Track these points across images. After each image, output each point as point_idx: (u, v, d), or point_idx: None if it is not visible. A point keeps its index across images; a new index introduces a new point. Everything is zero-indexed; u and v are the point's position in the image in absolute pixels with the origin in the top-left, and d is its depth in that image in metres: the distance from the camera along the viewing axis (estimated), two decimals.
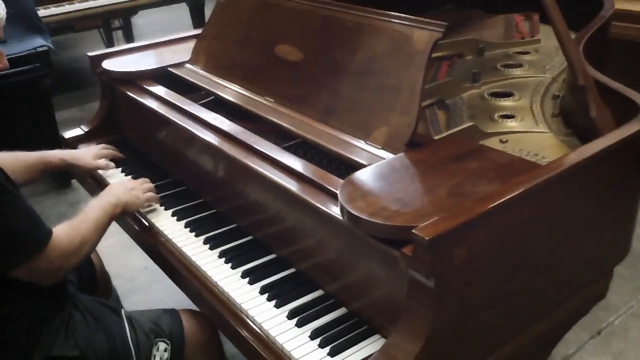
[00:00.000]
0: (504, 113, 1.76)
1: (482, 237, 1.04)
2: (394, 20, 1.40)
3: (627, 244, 1.46)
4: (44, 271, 1.32)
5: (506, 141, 1.61)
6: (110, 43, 4.99)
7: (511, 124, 1.71)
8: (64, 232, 1.36)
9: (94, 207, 1.50)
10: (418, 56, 1.32)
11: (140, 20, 6.70)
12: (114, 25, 5.09)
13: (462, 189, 1.13)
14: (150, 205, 1.69)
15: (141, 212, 1.68)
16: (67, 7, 4.33)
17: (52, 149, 1.81)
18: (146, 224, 1.66)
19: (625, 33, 3.10)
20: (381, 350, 1.06)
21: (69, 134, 2.11)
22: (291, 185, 1.32)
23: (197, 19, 4.90)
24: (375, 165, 1.25)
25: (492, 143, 1.60)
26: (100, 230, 1.47)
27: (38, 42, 3.19)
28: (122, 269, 2.83)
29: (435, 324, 1.01)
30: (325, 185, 1.26)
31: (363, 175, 1.21)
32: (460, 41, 2.23)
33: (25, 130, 3.25)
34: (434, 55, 2.15)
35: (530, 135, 1.65)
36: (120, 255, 2.91)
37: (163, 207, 1.70)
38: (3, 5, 1.55)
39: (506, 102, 1.84)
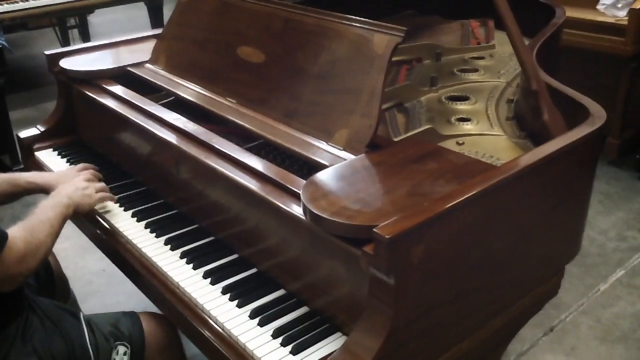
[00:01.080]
0: (461, 116, 1.81)
1: (439, 236, 1.07)
2: (355, 24, 1.43)
3: (578, 243, 1.52)
4: (2, 278, 1.26)
5: (463, 143, 1.66)
6: (65, 42, 4.90)
7: (467, 127, 1.75)
8: (18, 236, 1.30)
9: (47, 208, 1.44)
10: (378, 60, 1.35)
11: (96, 19, 6.59)
12: (70, 23, 4.99)
13: (421, 189, 1.16)
14: (103, 205, 1.67)
15: (100, 213, 1.66)
16: (20, 5, 4.21)
17: (4, 148, 1.73)
18: (106, 225, 1.64)
19: (578, 41, 3.23)
20: (343, 348, 1.09)
21: (24, 133, 2.06)
22: (253, 185, 1.33)
23: (156, 18, 4.84)
24: (337, 166, 1.28)
25: (450, 145, 1.65)
26: (55, 233, 1.42)
27: None
28: (79, 272, 2.79)
29: (396, 321, 1.04)
30: (288, 185, 1.27)
31: (325, 176, 1.23)
32: (419, 46, 2.28)
33: None
34: (393, 59, 2.23)
35: (485, 138, 1.70)
36: (77, 258, 2.86)
37: (122, 208, 1.68)
38: None
39: (462, 106, 1.89)
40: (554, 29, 2.11)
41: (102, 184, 1.68)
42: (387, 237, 0.99)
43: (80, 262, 2.83)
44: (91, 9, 4.71)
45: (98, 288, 2.69)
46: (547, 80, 1.59)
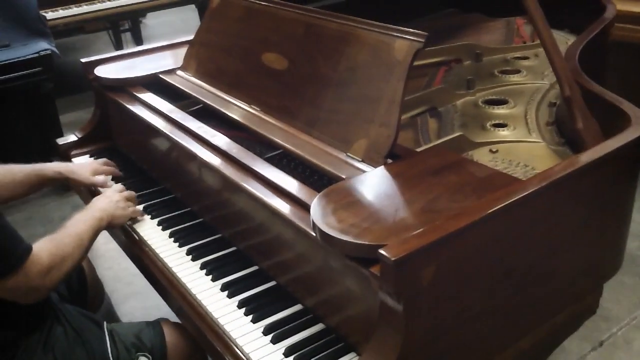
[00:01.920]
0: (497, 122, 1.72)
1: (453, 256, 1.00)
2: (375, 30, 1.37)
3: (618, 259, 1.42)
4: (23, 290, 1.27)
5: (496, 151, 1.57)
6: (119, 45, 5.01)
7: (503, 133, 1.67)
8: (44, 248, 1.30)
9: (78, 222, 1.45)
10: (398, 66, 1.29)
11: (151, 22, 6.74)
12: (123, 27, 5.11)
13: (436, 204, 1.10)
14: (135, 219, 1.67)
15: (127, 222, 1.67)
16: (74, 10, 4.35)
17: (56, 151, 1.79)
18: (132, 233, 1.65)
19: (632, 35, 3.03)
20: None
21: (62, 140, 2.11)
22: (270, 198, 1.30)
23: (201, 22, 4.90)
24: (351, 179, 1.23)
25: (482, 153, 1.57)
26: (84, 246, 1.42)
27: (41, 46, 3.20)
28: (122, 273, 2.83)
29: (405, 345, 0.98)
30: (303, 199, 1.23)
31: (337, 190, 1.18)
32: (457, 46, 2.19)
33: (29, 134, 3.28)
34: (431, 61, 2.16)
35: (521, 145, 1.61)
36: (120, 259, 2.90)
37: (149, 217, 1.69)
38: None
39: (500, 110, 1.80)
40: (601, 26, 1.98)
41: (132, 196, 1.69)
42: (392, 259, 0.93)
43: (123, 263, 2.88)
44: (142, 12, 4.82)
45: (138, 290, 2.73)
46: (586, 84, 1.49)
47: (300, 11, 1.59)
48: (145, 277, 1.62)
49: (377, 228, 1.05)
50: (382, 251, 0.95)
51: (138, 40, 5.09)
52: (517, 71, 2.06)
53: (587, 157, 1.18)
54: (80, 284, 1.79)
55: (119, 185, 1.77)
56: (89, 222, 1.47)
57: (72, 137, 2.11)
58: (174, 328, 1.53)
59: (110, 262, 2.91)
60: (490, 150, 1.58)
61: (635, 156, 1.31)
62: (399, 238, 0.99)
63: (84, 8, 4.39)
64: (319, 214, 1.10)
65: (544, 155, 1.54)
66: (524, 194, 1.07)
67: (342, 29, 1.44)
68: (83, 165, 1.82)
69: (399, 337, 0.98)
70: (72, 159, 2.05)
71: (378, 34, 1.36)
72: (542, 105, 1.82)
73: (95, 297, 1.91)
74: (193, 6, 5.27)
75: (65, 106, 4.37)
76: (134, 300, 2.66)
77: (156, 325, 1.52)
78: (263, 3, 1.73)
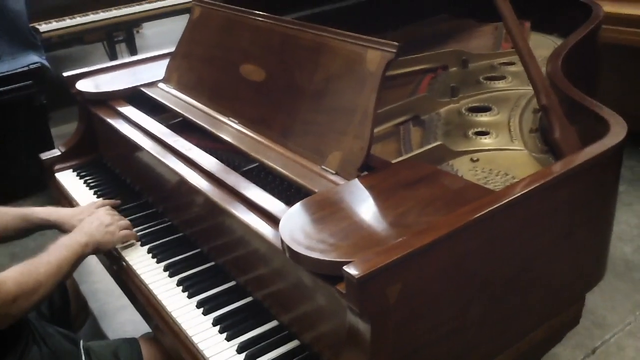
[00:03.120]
0: (479, 129, 1.69)
1: (420, 272, 0.98)
2: (348, 40, 1.35)
3: (601, 267, 1.39)
4: None
5: (477, 160, 1.55)
6: (113, 55, 5.01)
7: (485, 141, 1.64)
8: (12, 277, 1.26)
9: (60, 247, 1.41)
10: (370, 78, 1.27)
11: (149, 31, 6.75)
12: (118, 37, 5.11)
13: (406, 218, 1.07)
14: (126, 242, 1.60)
15: None
16: (68, 22, 4.35)
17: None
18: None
19: (624, 38, 3.00)
20: None
21: (45, 154, 2.09)
22: (243, 214, 1.28)
23: (182, 34, 4.90)
24: (323, 193, 1.21)
25: (463, 162, 1.55)
26: (63, 273, 1.37)
27: (31, 59, 3.20)
28: (112, 286, 2.80)
29: None
30: (276, 215, 1.21)
31: (308, 204, 1.16)
32: (444, 53, 2.17)
33: (21, 146, 3.27)
34: (417, 68, 2.14)
35: (503, 153, 1.58)
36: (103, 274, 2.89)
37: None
38: None
39: (483, 118, 1.78)
40: (587, 30, 1.96)
41: (126, 222, 1.60)
42: (356, 276, 0.91)
43: (107, 277, 2.86)
44: (137, 23, 4.82)
45: (129, 303, 2.71)
46: (565, 90, 1.46)
47: (276, 22, 1.57)
48: (124, 293, 1.60)
49: (344, 244, 1.02)
50: (346, 269, 0.92)
51: (133, 51, 5.08)
52: (503, 77, 2.04)
53: (561, 166, 1.15)
54: (62, 300, 1.77)
55: (101, 202, 1.72)
56: (72, 248, 1.42)
57: (55, 152, 2.10)
58: (151, 344, 1.51)
59: (100, 275, 2.89)
60: (472, 159, 1.56)
61: (614, 163, 1.29)
62: (365, 255, 0.97)
63: (77, 20, 4.39)
64: (288, 229, 1.08)
65: (526, 164, 1.52)
66: (496, 206, 1.04)
67: (316, 39, 1.42)
68: (77, 212, 1.65)
69: (366, 354, 0.96)
70: (56, 174, 2.04)
71: (350, 45, 1.34)
72: (526, 111, 1.80)
73: (79, 313, 1.90)
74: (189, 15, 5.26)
75: (61, 119, 4.36)
76: (125, 314, 2.64)
77: (133, 342, 1.50)
78: (240, 14, 1.71)
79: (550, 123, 1.28)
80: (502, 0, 1.29)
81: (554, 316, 1.29)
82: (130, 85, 1.98)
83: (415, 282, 0.98)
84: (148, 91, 1.92)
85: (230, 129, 1.59)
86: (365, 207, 1.14)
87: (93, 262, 3.05)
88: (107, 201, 1.74)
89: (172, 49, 2.15)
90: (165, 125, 1.75)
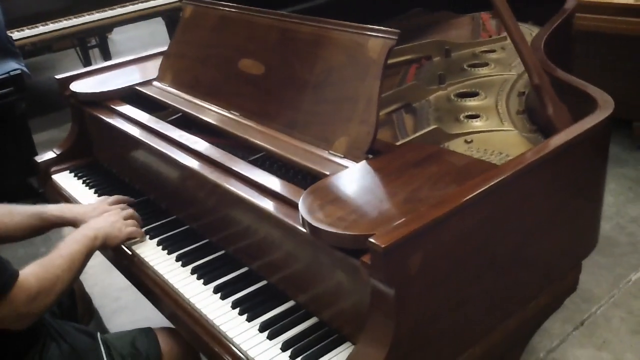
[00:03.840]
0: (470, 113, 1.77)
1: (438, 242, 1.05)
2: (348, 30, 1.41)
3: (594, 236, 1.48)
4: (11, 318, 1.25)
5: (471, 141, 1.63)
6: (87, 62, 4.98)
7: (476, 124, 1.72)
8: (32, 273, 1.28)
9: (70, 242, 1.43)
10: (373, 65, 1.33)
11: (117, 37, 6.71)
12: (91, 43, 5.08)
13: (419, 194, 1.14)
14: (133, 239, 1.61)
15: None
16: (41, 29, 4.33)
17: (31, 171, 1.67)
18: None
19: (600, 25, 3.14)
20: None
21: (41, 157, 2.11)
22: (256, 199, 1.33)
23: (175, 33, 4.90)
24: (335, 175, 1.27)
25: (458, 144, 1.62)
26: (76, 268, 1.40)
27: (11, 66, 3.19)
28: (107, 289, 2.83)
29: (398, 331, 1.02)
30: (289, 197, 1.27)
31: (323, 186, 1.22)
32: (426, 43, 2.25)
33: (4, 154, 3.25)
34: (402, 59, 2.21)
35: (495, 134, 1.66)
36: (103, 275, 2.90)
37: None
38: None
39: (472, 102, 1.85)
40: (563, 17, 2.06)
41: (133, 220, 1.62)
42: (382, 246, 0.97)
43: (107, 279, 2.88)
44: (109, 28, 4.81)
45: (126, 304, 2.73)
46: (554, 73, 1.55)
47: (273, 16, 1.62)
48: (136, 286, 1.63)
49: (363, 220, 1.09)
50: (372, 240, 0.99)
51: (106, 56, 5.06)
52: (486, 64, 2.13)
53: (558, 140, 1.24)
54: (70, 300, 1.80)
55: (114, 198, 1.73)
56: (82, 242, 1.45)
57: (50, 154, 2.11)
58: (168, 333, 1.55)
59: (95, 279, 2.90)
60: (466, 141, 1.63)
61: (603, 137, 1.38)
62: (385, 228, 1.03)
63: (50, 26, 4.38)
64: (307, 209, 1.14)
65: (517, 143, 1.60)
66: (502, 178, 1.12)
67: (316, 32, 1.48)
68: (90, 209, 1.66)
69: (391, 322, 1.02)
70: (52, 176, 2.06)
71: (351, 35, 1.41)
72: (511, 95, 1.88)
73: (85, 312, 1.92)
74: (160, 19, 5.27)
75: (38, 126, 4.34)
76: (122, 316, 2.66)
77: (149, 332, 1.53)
78: (235, 10, 1.76)
79: (542, 101, 1.36)
80: None
81: (555, 283, 1.37)
82: (124, 85, 2.01)
83: (434, 251, 1.05)
84: (144, 89, 1.96)
85: (233, 122, 1.64)
86: (379, 186, 1.21)
87: (87, 266, 3.07)
88: (120, 197, 1.74)
89: (151, 51, 2.20)
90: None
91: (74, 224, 1.60)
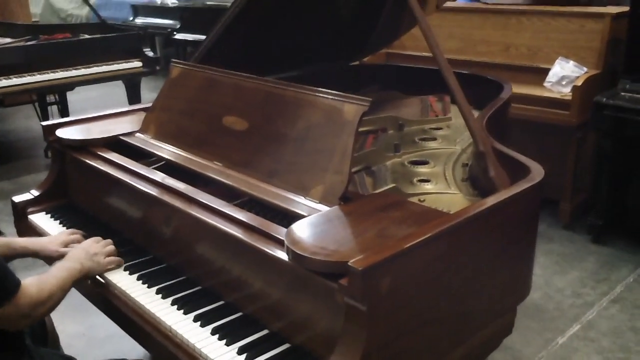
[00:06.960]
0: (421, 178, 2.03)
1: (404, 269, 1.26)
2: (328, 96, 1.66)
3: (527, 285, 1.72)
4: (12, 318, 1.43)
5: (424, 200, 1.87)
6: (45, 117, 5.08)
7: (427, 187, 1.97)
8: (33, 283, 1.48)
9: (61, 268, 1.62)
10: (348, 125, 1.57)
11: (73, 97, 6.80)
12: (50, 100, 5.19)
13: (387, 232, 1.36)
14: (112, 268, 1.77)
15: None
16: (3, 82, 4.43)
17: None
18: (100, 279, 1.78)
19: (529, 114, 3.59)
20: None
21: (18, 198, 2.21)
22: (240, 234, 1.50)
23: (134, 95, 5.10)
24: (314, 215, 1.47)
25: (413, 202, 1.86)
26: (65, 290, 1.59)
27: None
28: (59, 335, 2.84)
29: (368, 343, 1.20)
30: (271, 233, 1.45)
31: (304, 223, 1.42)
32: (384, 117, 2.53)
33: None
34: (361, 129, 2.48)
35: (443, 196, 1.91)
36: (56, 323, 2.90)
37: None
38: None
39: (423, 169, 2.12)
40: (501, 102, 2.39)
41: (111, 248, 1.79)
42: (359, 268, 1.17)
43: (60, 326, 2.88)
44: (71, 86, 4.94)
45: (78, 351, 2.74)
46: (494, 145, 1.83)
47: (259, 81, 1.85)
48: (114, 319, 1.74)
49: (342, 249, 1.29)
50: (350, 263, 1.18)
51: (65, 113, 5.17)
52: (434, 139, 2.42)
53: (499, 197, 1.49)
54: (42, 330, 1.88)
55: (71, 231, 1.93)
56: (70, 271, 1.63)
57: (28, 195, 2.22)
58: None
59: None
60: (419, 200, 1.87)
61: (535, 199, 1.64)
62: (361, 256, 1.23)
63: (14, 80, 4.49)
64: (292, 241, 1.33)
65: (462, 203, 1.85)
66: (454, 222, 1.35)
67: (298, 95, 1.72)
68: (50, 240, 1.87)
69: (363, 334, 1.20)
70: (29, 216, 2.16)
71: (330, 100, 1.65)
72: (457, 165, 2.16)
73: (53, 346, 1.99)
74: (117, 82, 5.43)
75: None
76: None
77: None
78: (221, 75, 1.98)
79: (486, 165, 1.63)
80: (450, 75, 1.66)
81: (497, 319, 1.59)
82: (109, 135, 2.17)
83: (399, 277, 1.25)
84: (128, 139, 2.12)
85: (216, 171, 1.82)
86: (352, 225, 1.42)
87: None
88: (76, 230, 1.94)
89: (134, 107, 2.40)
90: None
91: (38, 253, 1.83)
